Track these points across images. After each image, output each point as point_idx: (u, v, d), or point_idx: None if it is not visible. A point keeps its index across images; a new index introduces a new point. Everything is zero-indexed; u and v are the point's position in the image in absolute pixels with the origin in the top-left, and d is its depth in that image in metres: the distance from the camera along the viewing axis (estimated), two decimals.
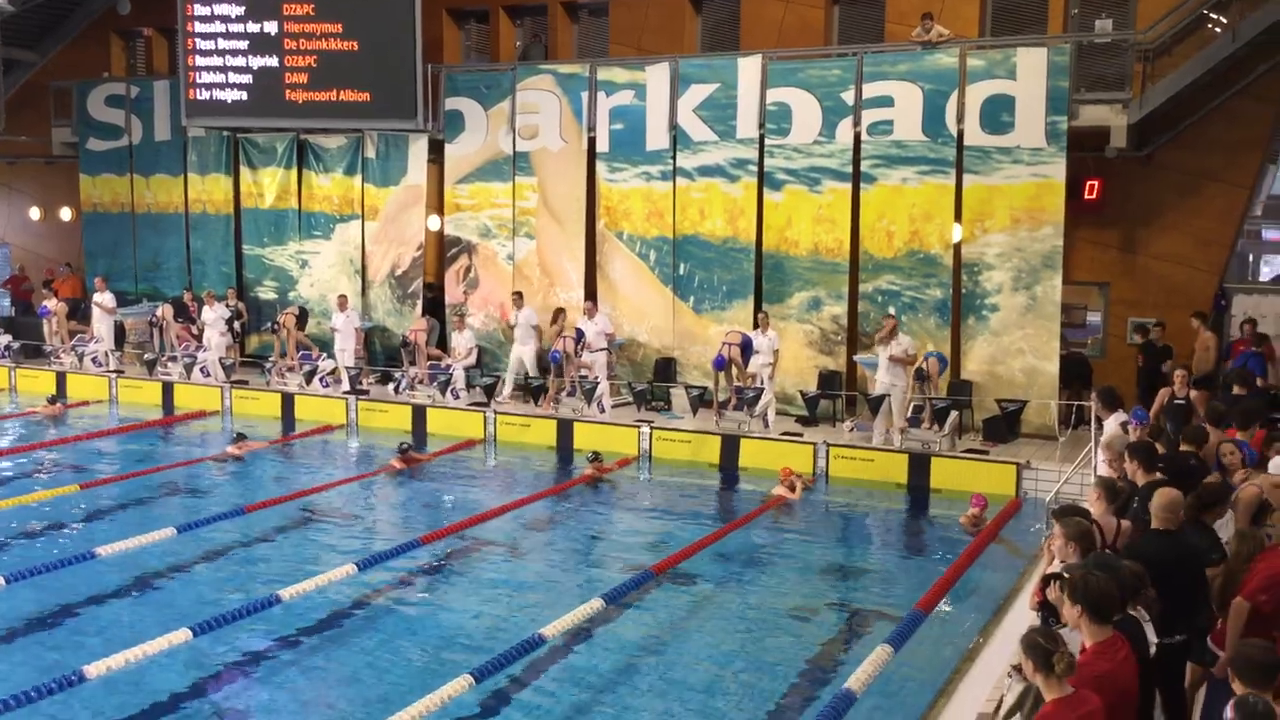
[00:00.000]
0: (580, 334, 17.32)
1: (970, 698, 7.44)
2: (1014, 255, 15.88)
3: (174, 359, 19.99)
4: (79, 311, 22.70)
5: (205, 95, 20.10)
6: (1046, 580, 6.25)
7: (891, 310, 16.16)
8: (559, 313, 18.10)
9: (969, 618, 9.66)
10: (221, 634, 8.86)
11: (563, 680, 8.48)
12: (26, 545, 11.48)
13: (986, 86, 15.82)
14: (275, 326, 20.02)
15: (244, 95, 19.84)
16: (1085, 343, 17.52)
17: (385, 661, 8.79)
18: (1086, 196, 16.53)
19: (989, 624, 9.20)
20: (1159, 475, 7.90)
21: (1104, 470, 9.56)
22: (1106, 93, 15.94)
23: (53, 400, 18.88)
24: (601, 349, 17.60)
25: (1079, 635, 5.37)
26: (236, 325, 20.59)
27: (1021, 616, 8.34)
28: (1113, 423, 10.61)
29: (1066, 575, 6.11)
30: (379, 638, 9.26)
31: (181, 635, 8.51)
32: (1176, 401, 12.10)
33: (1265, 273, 22.38)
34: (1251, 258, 21.94)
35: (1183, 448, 9.18)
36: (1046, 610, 6.20)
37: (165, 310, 20.79)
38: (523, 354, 18.12)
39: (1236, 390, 11.90)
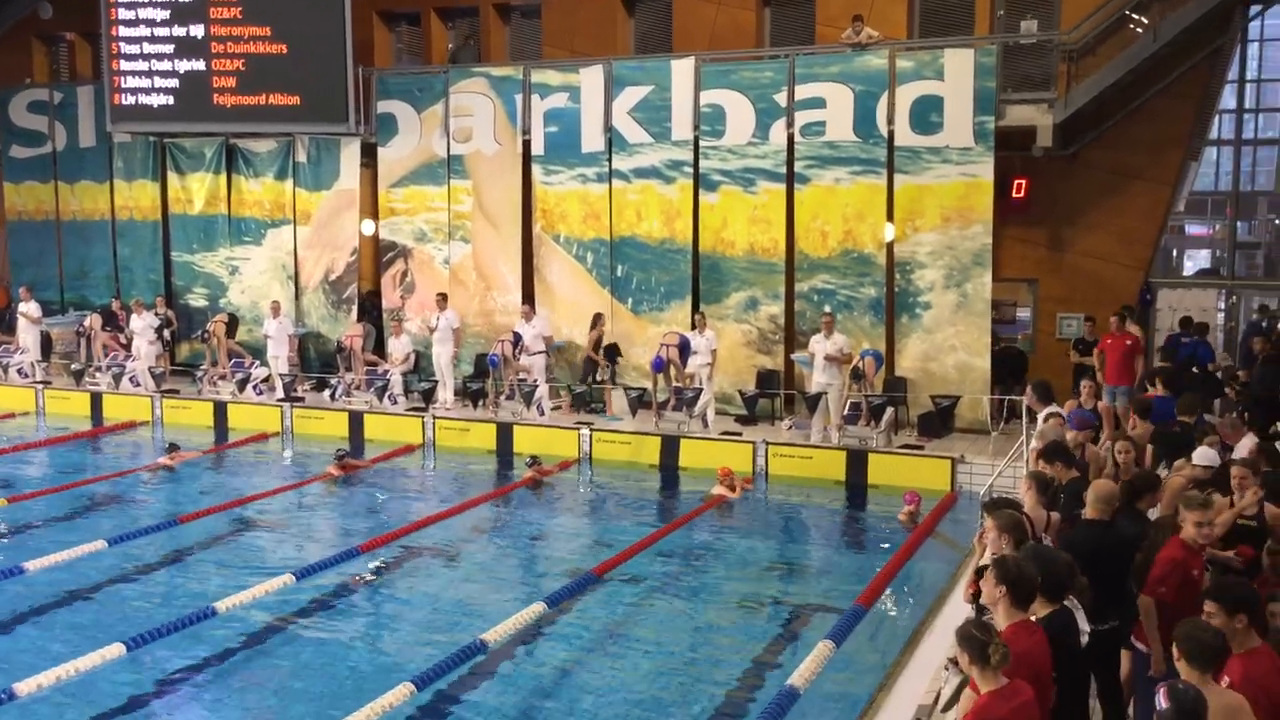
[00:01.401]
0: (518, 337, 17.26)
1: (910, 690, 7.54)
2: (945, 253, 16.11)
3: (102, 369, 19.60)
4: (3, 322, 22.18)
5: (130, 100, 19.71)
6: (980, 572, 6.35)
7: (827, 308, 16.32)
8: (598, 317, 17.79)
9: (908, 611, 9.81)
10: (156, 648, 8.71)
11: (506, 685, 8.45)
12: None
13: (916, 87, 16.04)
14: (205, 334, 19.70)
15: (170, 100, 19.49)
16: (1016, 338, 17.82)
17: (325, 671, 8.70)
18: (1014, 195, 16.80)
19: (927, 617, 9.33)
20: (1076, 472, 8.19)
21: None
22: (1032, 93, 16.24)
23: None
24: (540, 351, 17.56)
25: None
26: (166, 334, 20.23)
27: (958, 609, 8.45)
28: (1044, 416, 10.81)
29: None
30: (318, 648, 9.16)
31: (115, 650, 8.35)
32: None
33: (1189, 267, 22.89)
34: (1175, 252, 22.43)
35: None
36: (978, 601, 6.28)
37: (93, 320, 20.36)
38: (440, 354, 18.04)
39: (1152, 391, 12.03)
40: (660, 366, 16.15)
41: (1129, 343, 14.49)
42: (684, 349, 16.31)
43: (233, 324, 20.09)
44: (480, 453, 16.44)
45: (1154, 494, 7.62)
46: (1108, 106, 16.38)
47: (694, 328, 16.62)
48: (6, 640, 9.26)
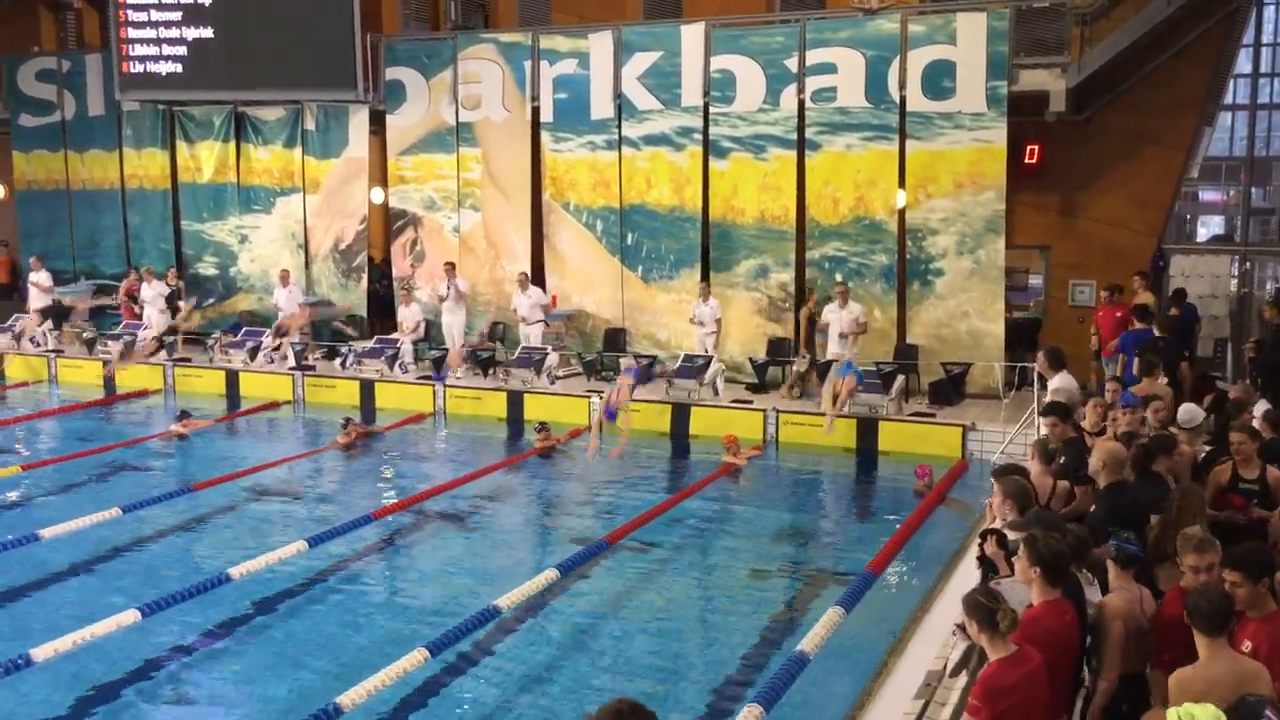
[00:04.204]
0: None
1: (919, 656, 7.55)
2: (958, 220, 16.03)
3: (114, 337, 19.66)
4: (14, 292, 22.24)
5: (139, 68, 19.62)
6: (985, 535, 6.36)
7: (839, 277, 16.27)
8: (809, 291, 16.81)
9: (918, 578, 9.81)
10: (170, 614, 8.77)
11: (518, 651, 8.50)
12: None
13: (927, 52, 15.91)
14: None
15: (179, 68, 19.39)
16: (1028, 305, 17.76)
17: (338, 637, 8.76)
18: (1027, 160, 16.71)
19: (937, 583, 9.34)
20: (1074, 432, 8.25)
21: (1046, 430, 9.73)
22: (1045, 57, 16.04)
23: None
24: (537, 321, 17.54)
25: (1018, 589, 5.47)
26: (178, 303, 20.27)
27: (968, 576, 8.47)
28: (1056, 381, 10.80)
29: (1007, 533, 6.24)
30: (331, 614, 9.22)
31: (130, 616, 8.41)
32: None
33: (1202, 234, 22.77)
34: (1189, 218, 22.31)
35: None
36: (985, 565, 6.29)
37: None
38: (452, 323, 18.06)
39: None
40: (612, 416, 13.84)
41: (1119, 315, 14.47)
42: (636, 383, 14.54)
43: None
44: (491, 421, 16.47)
45: (1169, 456, 7.59)
46: (1122, 71, 16.23)
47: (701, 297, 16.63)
48: (23, 606, 9.34)
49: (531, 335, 17.46)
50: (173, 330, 19.69)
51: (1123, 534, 5.77)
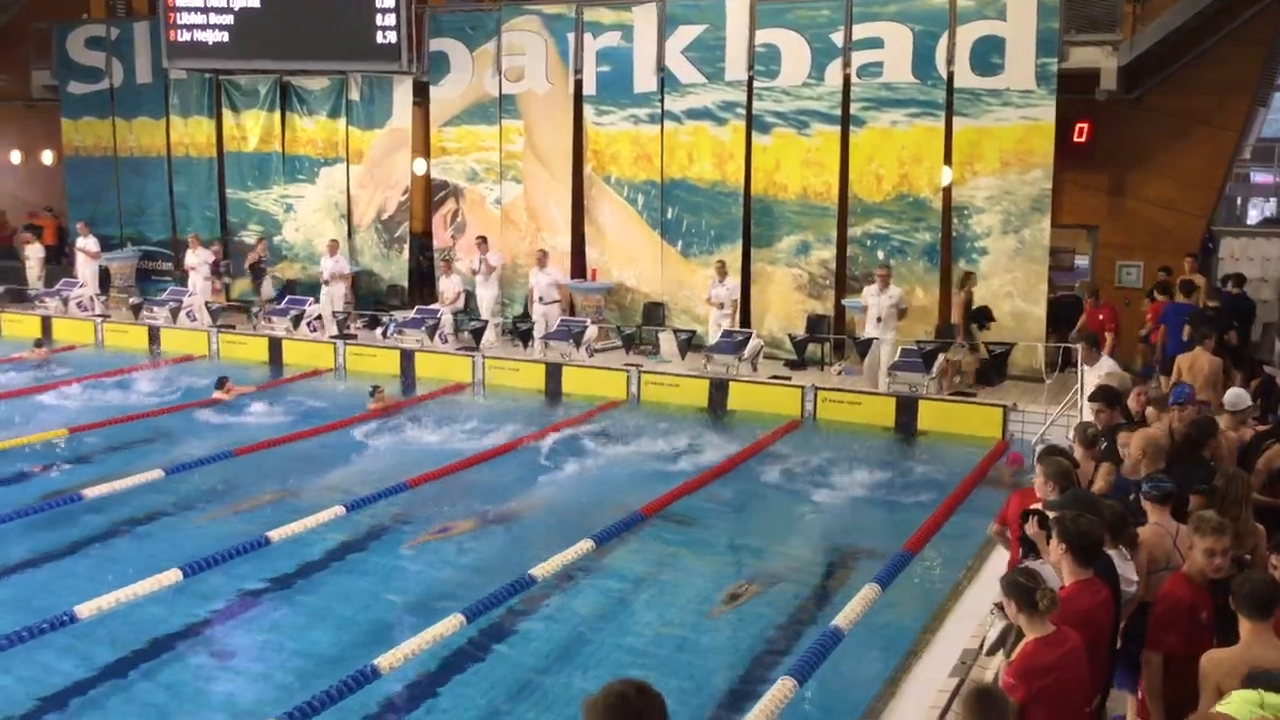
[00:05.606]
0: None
1: (955, 634, 7.53)
2: (1003, 199, 15.84)
3: (160, 303, 19.90)
4: (62, 256, 22.54)
5: (185, 37, 19.77)
6: (1024, 515, 6.30)
7: (881, 254, 16.14)
8: (968, 277, 16.05)
9: (954, 557, 9.75)
10: (211, 575, 8.90)
11: (553, 619, 8.55)
12: (14, 488, 11.47)
13: (976, 28, 15.70)
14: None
15: (225, 36, 19.53)
16: (1073, 286, 17.55)
17: (375, 602, 8.85)
18: (1075, 139, 16.48)
19: (974, 563, 9.28)
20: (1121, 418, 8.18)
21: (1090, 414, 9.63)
22: (1096, 34, 15.79)
23: (39, 344, 18.79)
24: (554, 301, 17.57)
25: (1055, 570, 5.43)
26: (221, 267, 20.48)
27: (1004, 555, 8.42)
28: (1104, 366, 10.70)
29: (1048, 513, 6.18)
30: (368, 579, 9.32)
31: (172, 575, 8.54)
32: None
33: (1253, 216, 22.36)
34: (1240, 200, 21.91)
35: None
36: (1025, 545, 6.24)
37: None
38: (484, 297, 18.17)
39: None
40: None
41: (1101, 317, 14.98)
42: None
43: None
44: (529, 392, 16.52)
45: (1215, 441, 7.48)
46: (1174, 50, 15.95)
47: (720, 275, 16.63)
48: (67, 564, 9.51)
49: (549, 316, 17.44)
50: (258, 260, 19.98)
51: (1157, 475, 6.01)
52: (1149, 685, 5.30)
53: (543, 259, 17.78)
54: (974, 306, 15.71)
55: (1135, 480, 6.67)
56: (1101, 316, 15.05)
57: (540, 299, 17.65)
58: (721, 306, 16.55)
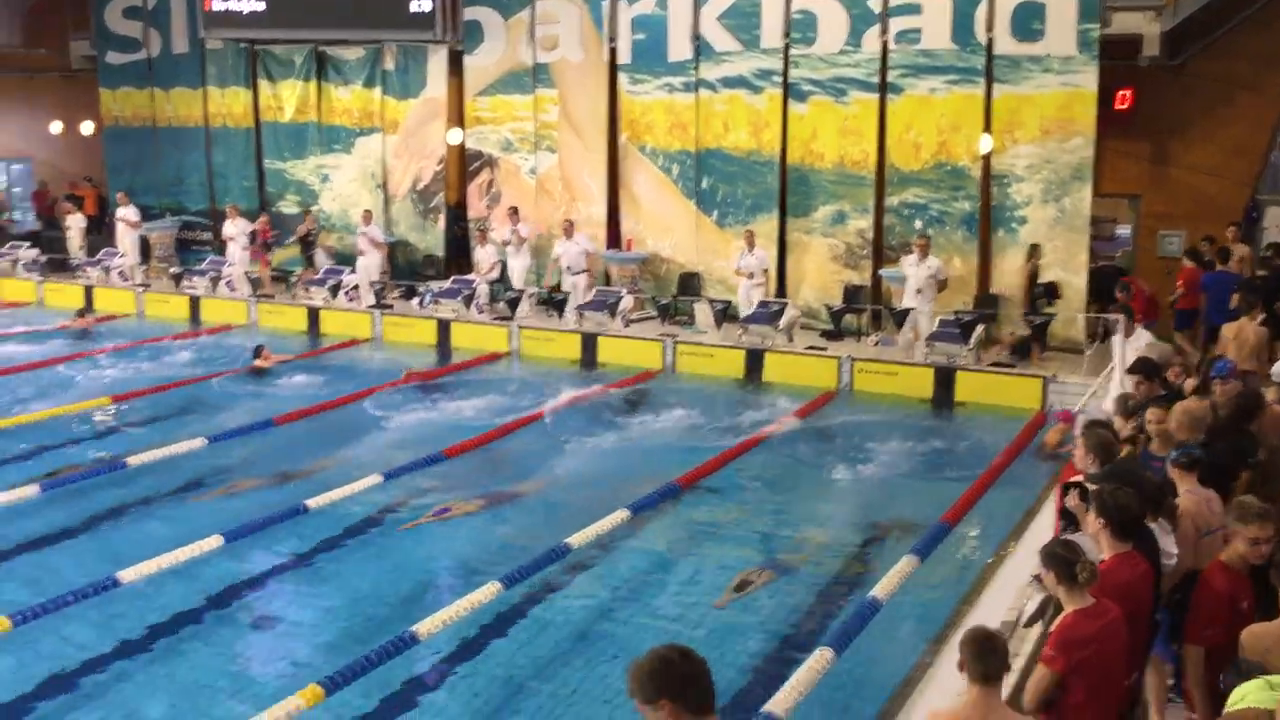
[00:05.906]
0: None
1: (994, 605, 7.49)
2: (1044, 167, 15.63)
3: (200, 273, 20.05)
4: (102, 226, 22.74)
5: (221, 6, 19.83)
6: (1066, 488, 6.26)
7: (919, 224, 15.99)
8: (1034, 249, 15.87)
9: (993, 529, 9.70)
10: (252, 541, 9.02)
11: (588, 588, 8.60)
12: (59, 456, 11.62)
13: None
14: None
15: (261, 6, 19.57)
16: (1114, 256, 17.33)
17: (414, 567, 8.94)
18: (1117, 106, 16.23)
19: (1012, 534, 9.24)
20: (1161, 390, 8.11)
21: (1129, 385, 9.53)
22: (1139, 0, 15.55)
23: (81, 313, 19.02)
24: (582, 270, 17.53)
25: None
26: (271, 238, 20.59)
27: (1044, 527, 8.37)
28: (1139, 337, 10.58)
29: (1090, 487, 6.13)
30: (406, 546, 9.39)
31: (214, 541, 8.66)
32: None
33: None
34: None
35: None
36: (1066, 519, 6.22)
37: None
38: (515, 267, 18.23)
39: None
40: None
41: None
42: None
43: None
44: (564, 362, 16.54)
45: (1261, 413, 7.37)
46: (1217, 15, 15.67)
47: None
48: (110, 530, 9.66)
49: (578, 285, 17.42)
50: (308, 233, 20.16)
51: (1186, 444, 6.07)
52: (1193, 679, 5.18)
53: (569, 229, 17.76)
54: (1039, 280, 15.51)
55: (1160, 457, 6.58)
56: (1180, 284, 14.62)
57: (569, 269, 17.63)
58: (751, 276, 16.48)
